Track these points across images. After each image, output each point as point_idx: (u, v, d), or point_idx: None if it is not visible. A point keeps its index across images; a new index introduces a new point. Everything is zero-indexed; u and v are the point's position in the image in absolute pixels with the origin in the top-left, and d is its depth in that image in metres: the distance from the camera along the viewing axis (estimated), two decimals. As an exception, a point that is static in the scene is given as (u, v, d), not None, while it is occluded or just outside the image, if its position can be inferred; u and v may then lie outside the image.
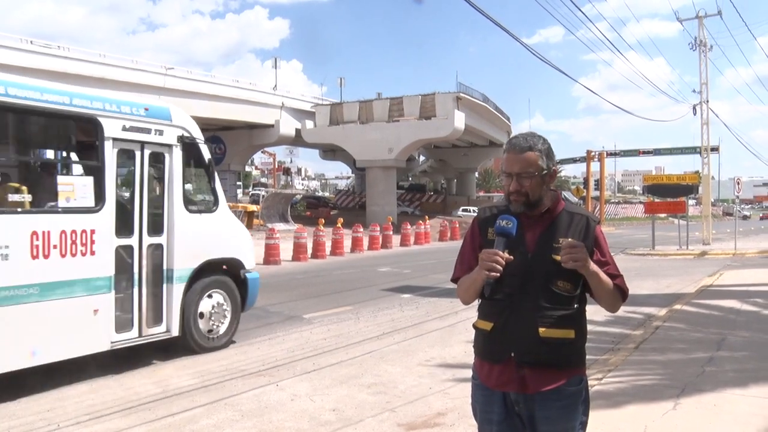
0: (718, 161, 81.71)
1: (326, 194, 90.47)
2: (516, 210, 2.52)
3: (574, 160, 59.95)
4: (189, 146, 7.86)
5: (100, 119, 6.76)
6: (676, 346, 7.75)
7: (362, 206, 46.57)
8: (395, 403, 5.88)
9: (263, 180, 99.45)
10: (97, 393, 6.27)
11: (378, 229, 26.57)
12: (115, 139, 6.89)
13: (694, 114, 30.10)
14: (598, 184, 52.38)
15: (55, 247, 6.20)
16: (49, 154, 7.93)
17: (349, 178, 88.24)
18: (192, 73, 36.83)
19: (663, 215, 38.91)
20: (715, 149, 35.16)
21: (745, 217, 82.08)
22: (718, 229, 36.45)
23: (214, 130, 42.78)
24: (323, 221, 24.50)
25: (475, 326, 2.66)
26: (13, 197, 6.19)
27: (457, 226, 34.70)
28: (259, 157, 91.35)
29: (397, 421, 5.38)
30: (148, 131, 7.29)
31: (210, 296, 8.02)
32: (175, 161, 7.61)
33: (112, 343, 6.86)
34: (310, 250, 21.16)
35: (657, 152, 58.46)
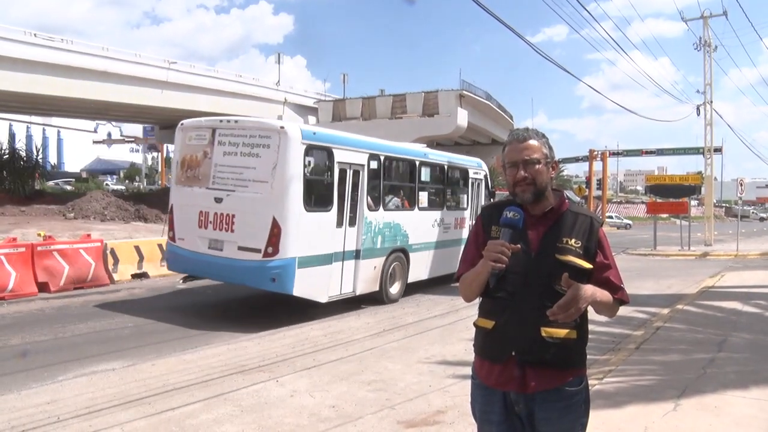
0: (721, 162, 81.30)
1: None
2: (524, 199, 2.51)
3: (576, 160, 59.78)
4: (486, 178, 15.80)
5: (468, 169, 14.99)
6: (677, 347, 7.74)
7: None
8: (395, 400, 5.87)
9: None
10: (97, 386, 6.26)
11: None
12: (470, 177, 14.96)
13: (698, 114, 30.10)
14: (601, 184, 52.28)
15: (458, 224, 14.20)
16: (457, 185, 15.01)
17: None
18: (195, 67, 36.69)
19: (665, 215, 38.81)
20: (718, 150, 35.10)
21: (762, 219, 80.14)
22: (721, 230, 36.40)
23: (217, 124, 42.66)
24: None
25: (475, 324, 2.64)
26: (451, 204, 14.25)
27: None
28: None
29: (396, 418, 5.37)
30: (477, 173, 15.32)
31: None
32: (482, 186, 15.55)
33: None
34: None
35: (660, 152, 58.26)
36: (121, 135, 75.72)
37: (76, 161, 79.75)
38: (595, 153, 50.39)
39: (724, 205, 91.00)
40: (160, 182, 67.65)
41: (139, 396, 5.91)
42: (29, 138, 56.58)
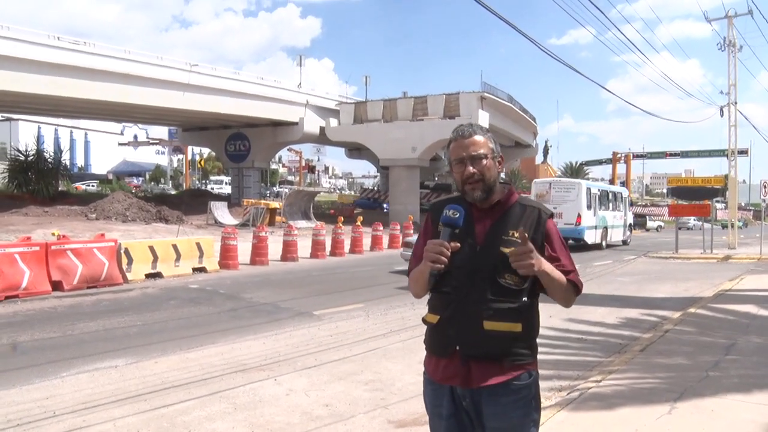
0: (750, 164, 79.57)
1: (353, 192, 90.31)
2: (475, 198, 2.47)
3: (600, 162, 59.40)
4: (628, 196, 35.67)
5: (622, 193, 33.51)
6: (683, 350, 7.61)
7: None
8: (390, 400, 5.85)
9: (290, 178, 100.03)
10: (97, 382, 6.34)
11: (398, 227, 26.53)
12: (623, 196, 32.80)
13: (722, 116, 29.66)
14: (624, 186, 51.71)
15: (620, 217, 31.61)
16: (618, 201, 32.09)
17: (375, 177, 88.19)
18: (216, 70, 36.93)
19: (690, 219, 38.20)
20: (743, 152, 34.41)
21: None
22: (748, 233, 35.76)
23: (238, 126, 43.00)
24: (342, 219, 24.60)
25: (424, 320, 2.61)
26: (618, 207, 31.59)
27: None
28: (286, 155, 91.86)
29: (388, 417, 5.35)
30: (624, 193, 33.78)
31: None
32: (626, 199, 33.74)
33: (622, 242, 31.90)
34: (328, 248, 21.22)
35: (684, 155, 57.64)
36: (147, 137, 76.71)
37: (103, 163, 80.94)
38: (619, 155, 49.91)
39: (751, 208, 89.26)
40: (184, 184, 68.36)
41: (136, 393, 5.97)
42: (56, 140, 57.55)
